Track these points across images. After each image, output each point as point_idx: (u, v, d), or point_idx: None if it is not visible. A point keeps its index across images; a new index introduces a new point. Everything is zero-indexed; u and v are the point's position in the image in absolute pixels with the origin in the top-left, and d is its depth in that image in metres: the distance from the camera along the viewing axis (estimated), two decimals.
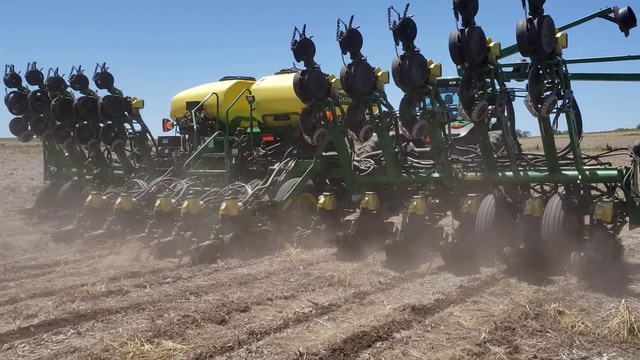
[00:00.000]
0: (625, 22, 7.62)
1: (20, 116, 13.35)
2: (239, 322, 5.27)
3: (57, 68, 12.25)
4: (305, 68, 8.53)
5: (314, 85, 8.50)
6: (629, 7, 7.57)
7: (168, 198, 9.39)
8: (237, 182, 9.80)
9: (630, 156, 7.26)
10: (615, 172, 7.18)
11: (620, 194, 7.30)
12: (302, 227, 9.11)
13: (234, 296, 6.14)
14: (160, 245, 8.31)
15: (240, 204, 8.62)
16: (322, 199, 9.06)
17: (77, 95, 12.26)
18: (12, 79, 13.00)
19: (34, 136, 13.67)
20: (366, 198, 8.69)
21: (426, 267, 7.52)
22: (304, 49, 8.34)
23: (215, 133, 10.83)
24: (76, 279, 7.05)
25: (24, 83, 13.05)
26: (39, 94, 12.78)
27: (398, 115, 8.57)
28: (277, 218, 9.08)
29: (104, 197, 10.41)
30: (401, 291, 6.38)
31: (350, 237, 8.41)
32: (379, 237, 8.50)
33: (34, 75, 12.66)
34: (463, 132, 12.03)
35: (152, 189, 10.29)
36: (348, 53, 8.09)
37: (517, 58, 8.71)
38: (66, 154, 13.59)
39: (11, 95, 13.14)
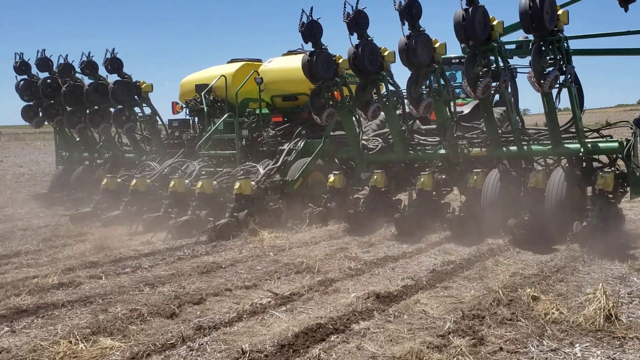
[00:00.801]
0: None
1: (31, 103, 13.61)
2: (190, 315, 4.93)
3: (67, 55, 12.50)
4: (313, 49, 8.73)
5: (322, 66, 8.69)
6: None
7: (182, 179, 9.67)
8: (248, 163, 10.06)
9: (631, 128, 7.51)
10: (616, 144, 7.42)
11: (621, 165, 7.55)
12: (313, 204, 9.40)
13: (191, 287, 5.80)
14: (177, 225, 8.61)
15: (253, 183, 8.90)
16: (332, 178, 9.33)
17: (87, 81, 12.55)
18: (22, 67, 13.23)
19: (45, 122, 13.95)
20: (375, 176, 8.95)
21: (420, 244, 7.66)
22: (311, 30, 8.52)
23: (225, 115, 11.07)
24: (31, 270, 6.74)
25: (34, 70, 13.30)
26: (49, 80, 13.02)
27: (405, 93, 8.82)
28: (289, 196, 9.37)
29: (119, 180, 10.71)
30: (370, 277, 6.06)
31: (360, 214, 8.73)
32: (388, 213, 8.83)
33: (44, 63, 12.89)
34: (466, 109, 12.26)
35: (165, 170, 10.58)
36: (355, 34, 8.28)
37: (519, 35, 8.91)
38: (77, 139, 13.87)
39: (21, 82, 13.37)
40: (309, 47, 8.77)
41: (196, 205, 9.06)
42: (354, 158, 9.87)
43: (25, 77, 13.37)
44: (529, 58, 7.36)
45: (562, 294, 5.16)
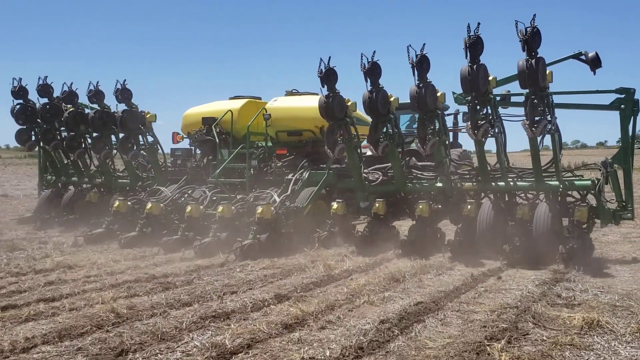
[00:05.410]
0: (594, 63, 9.48)
1: (25, 127, 13.92)
2: None
3: (72, 82, 13.04)
4: (328, 93, 9.90)
5: (337, 107, 9.86)
6: (596, 52, 9.47)
7: (197, 205, 10.50)
8: (259, 190, 11.01)
9: (599, 170, 9.09)
10: (589, 182, 8.97)
11: (591, 200, 9.09)
12: (320, 229, 10.42)
13: None
14: (202, 246, 9.42)
15: (272, 208, 9.86)
16: (335, 205, 10.41)
17: (87, 109, 13.15)
18: (20, 91, 13.58)
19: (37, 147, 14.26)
20: (377, 204, 10.13)
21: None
22: (328, 76, 9.72)
23: (240, 146, 11.98)
24: None
25: (30, 95, 13.67)
26: (48, 106, 13.45)
27: (405, 134, 10.07)
28: (299, 221, 10.36)
29: (129, 203, 11.35)
30: None
31: (365, 237, 9.88)
32: (386, 237, 10.03)
33: (45, 89, 13.35)
34: None
35: (176, 195, 11.34)
36: (369, 81, 9.54)
37: (503, 89, 10.40)
38: (66, 162, 14.24)
39: (17, 106, 13.69)
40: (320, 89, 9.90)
41: (217, 228, 9.89)
42: (356, 188, 10.97)
43: (21, 101, 13.70)
44: (510, 108, 8.87)
45: None
